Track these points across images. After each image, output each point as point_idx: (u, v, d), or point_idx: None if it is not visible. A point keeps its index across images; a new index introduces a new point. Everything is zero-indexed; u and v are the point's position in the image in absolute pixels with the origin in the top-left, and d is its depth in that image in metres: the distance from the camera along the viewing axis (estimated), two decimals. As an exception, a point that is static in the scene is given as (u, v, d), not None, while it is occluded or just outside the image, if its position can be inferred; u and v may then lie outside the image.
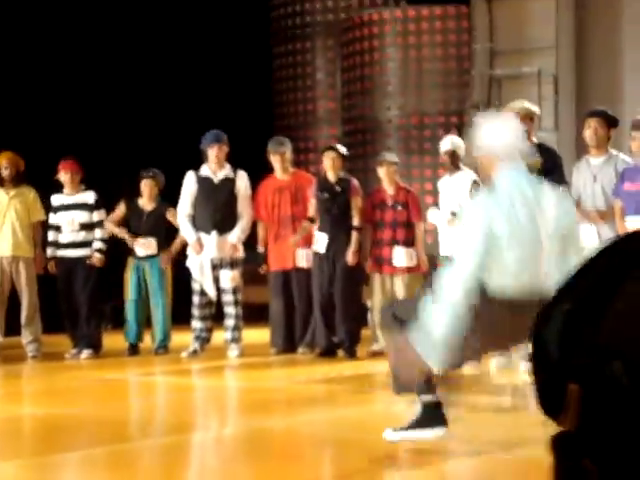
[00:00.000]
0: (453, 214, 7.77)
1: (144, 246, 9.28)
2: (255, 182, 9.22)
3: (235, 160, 9.13)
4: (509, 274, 3.75)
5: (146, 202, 9.37)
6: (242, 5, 14.32)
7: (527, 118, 7.29)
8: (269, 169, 9.27)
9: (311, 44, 14.40)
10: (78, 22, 12.95)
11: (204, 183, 8.92)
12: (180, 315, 9.52)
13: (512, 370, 7.48)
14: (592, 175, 7.21)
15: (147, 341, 9.51)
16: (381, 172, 8.72)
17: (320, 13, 14.33)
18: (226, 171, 8.97)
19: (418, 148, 12.97)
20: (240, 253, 8.93)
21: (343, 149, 9.02)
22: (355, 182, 8.95)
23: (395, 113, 13.28)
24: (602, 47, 11.97)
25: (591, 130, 7.18)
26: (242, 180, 8.98)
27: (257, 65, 14.40)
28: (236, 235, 8.87)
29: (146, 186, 9.35)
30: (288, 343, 9.04)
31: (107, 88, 12.99)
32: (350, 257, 8.60)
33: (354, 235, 8.68)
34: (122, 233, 9.32)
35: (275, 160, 9.13)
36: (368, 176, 10.97)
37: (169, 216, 9.24)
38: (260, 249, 9.15)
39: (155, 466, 4.37)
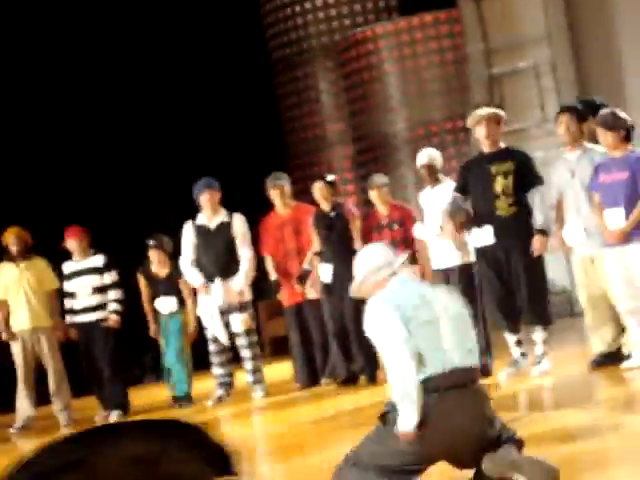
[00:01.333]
0: (442, 228, 7.70)
1: (165, 305, 9.35)
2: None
3: (256, 195, 9.09)
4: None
5: (158, 269, 9.42)
6: (239, 41, 14.40)
7: (494, 122, 7.26)
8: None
9: (312, 69, 14.43)
10: (76, 86, 13.14)
11: (201, 231, 8.95)
12: (202, 363, 9.55)
13: (522, 377, 7.41)
14: (570, 171, 7.13)
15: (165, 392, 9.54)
16: (373, 195, 8.69)
17: (316, 37, 14.36)
18: (221, 216, 8.99)
19: (429, 157, 12.90)
20: (247, 297, 8.94)
21: (330, 177, 9.01)
22: (349, 205, 8.95)
23: (402, 126, 13.24)
24: (595, 31, 11.82)
25: (563, 126, 7.11)
26: (238, 223, 8.96)
27: (262, 98, 14.46)
28: (240, 281, 8.84)
29: (154, 255, 9.39)
30: (311, 376, 9.03)
31: (107, 146, 13.13)
32: None
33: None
34: (150, 318, 9.47)
35: (275, 195, 9.15)
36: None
37: (181, 284, 9.27)
38: (273, 277, 9.10)
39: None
